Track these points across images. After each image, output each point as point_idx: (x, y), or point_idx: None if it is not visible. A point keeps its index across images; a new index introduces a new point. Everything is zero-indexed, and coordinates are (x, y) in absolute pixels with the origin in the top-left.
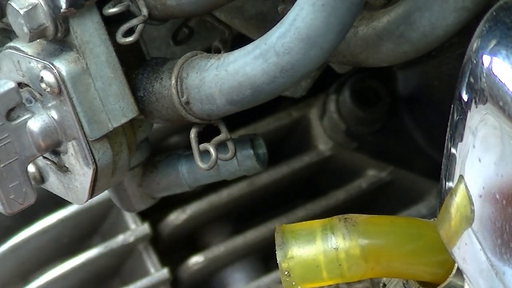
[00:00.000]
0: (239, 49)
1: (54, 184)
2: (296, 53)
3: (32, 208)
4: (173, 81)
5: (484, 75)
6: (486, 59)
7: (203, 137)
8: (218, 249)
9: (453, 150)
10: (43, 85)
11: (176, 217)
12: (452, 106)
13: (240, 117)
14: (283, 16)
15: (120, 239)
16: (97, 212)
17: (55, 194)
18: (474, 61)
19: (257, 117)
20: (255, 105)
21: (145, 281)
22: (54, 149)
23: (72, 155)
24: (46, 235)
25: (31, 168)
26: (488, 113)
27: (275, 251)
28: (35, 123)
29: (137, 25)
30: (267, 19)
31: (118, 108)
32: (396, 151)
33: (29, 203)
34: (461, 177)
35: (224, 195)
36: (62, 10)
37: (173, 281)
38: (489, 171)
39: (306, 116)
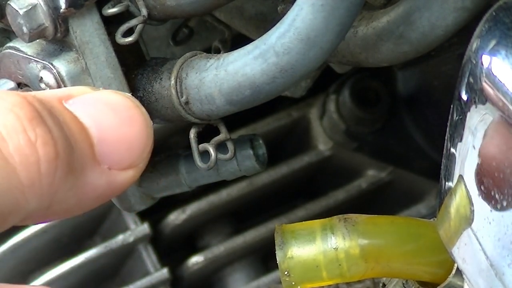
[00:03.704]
0: (239, 49)
1: None
2: (295, 53)
3: None
4: (173, 81)
5: (484, 75)
6: (485, 59)
7: (203, 137)
8: (218, 249)
9: (452, 150)
10: (43, 85)
11: (176, 217)
12: (451, 106)
13: (240, 117)
14: (283, 16)
15: (120, 239)
16: (97, 212)
17: None
18: (474, 61)
19: (257, 117)
20: (254, 105)
21: (145, 281)
22: None
23: None
24: (46, 235)
25: None
26: (487, 113)
27: (275, 251)
28: None
29: (137, 25)
30: (267, 19)
31: None
32: (396, 151)
33: None
34: (461, 177)
35: (224, 195)
36: (61, 10)
37: (173, 281)
38: None
39: (306, 116)
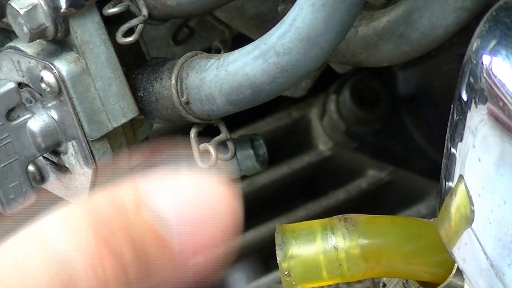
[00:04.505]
0: (239, 49)
1: (54, 184)
2: (296, 53)
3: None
4: (173, 81)
5: (484, 75)
6: (486, 59)
7: (203, 137)
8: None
9: (453, 150)
10: (43, 85)
11: None
12: (452, 106)
13: (240, 117)
14: (283, 16)
15: None
16: None
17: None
18: (474, 61)
19: (257, 117)
20: (255, 105)
21: None
22: (54, 149)
23: (72, 155)
24: None
25: (31, 168)
26: (488, 113)
27: (275, 251)
28: (35, 123)
29: (137, 25)
30: (267, 19)
31: (118, 108)
32: (396, 151)
33: (29, 203)
34: (461, 177)
35: None
36: (62, 10)
37: None
38: (489, 171)
39: (306, 116)
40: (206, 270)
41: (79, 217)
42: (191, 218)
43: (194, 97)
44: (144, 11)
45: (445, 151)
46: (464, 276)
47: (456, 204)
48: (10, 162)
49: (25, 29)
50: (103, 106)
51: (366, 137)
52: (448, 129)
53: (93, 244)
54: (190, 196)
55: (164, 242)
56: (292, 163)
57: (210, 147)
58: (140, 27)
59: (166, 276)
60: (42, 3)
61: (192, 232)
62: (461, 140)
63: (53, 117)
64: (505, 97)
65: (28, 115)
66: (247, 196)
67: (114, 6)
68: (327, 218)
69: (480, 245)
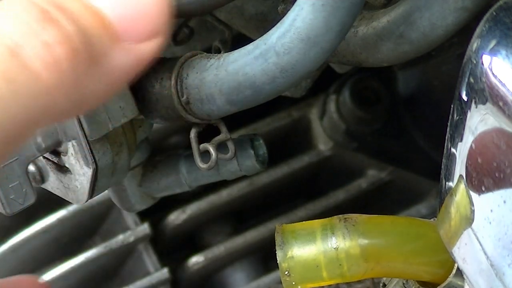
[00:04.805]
0: (239, 49)
1: (54, 184)
2: (296, 53)
3: (32, 208)
4: (173, 81)
5: (484, 75)
6: (486, 59)
7: (203, 137)
8: (218, 249)
9: (453, 150)
10: None
11: (176, 217)
12: (452, 106)
13: (240, 117)
14: (283, 16)
15: (120, 239)
16: (97, 212)
17: (55, 194)
18: (474, 61)
19: (257, 117)
20: (255, 105)
21: (145, 281)
22: (54, 149)
23: (72, 155)
24: (46, 235)
25: (31, 168)
26: (488, 113)
27: (275, 251)
28: None
29: None
30: (267, 19)
31: (118, 108)
32: (396, 151)
33: (29, 203)
34: (461, 177)
35: (224, 195)
36: None
37: (173, 281)
38: None
39: (306, 116)
40: (148, 58)
41: (18, 3)
42: (125, 6)
43: (194, 97)
44: None
45: (445, 151)
46: (464, 276)
47: (456, 204)
48: (10, 162)
49: None
50: (103, 106)
51: (366, 137)
52: (448, 129)
53: (39, 23)
54: None
55: (104, 22)
56: (292, 163)
57: (210, 147)
58: None
59: (113, 63)
60: None
61: (130, 17)
62: (461, 140)
63: None
64: (505, 97)
65: None
66: (247, 196)
67: None
68: (327, 218)
69: (480, 245)
